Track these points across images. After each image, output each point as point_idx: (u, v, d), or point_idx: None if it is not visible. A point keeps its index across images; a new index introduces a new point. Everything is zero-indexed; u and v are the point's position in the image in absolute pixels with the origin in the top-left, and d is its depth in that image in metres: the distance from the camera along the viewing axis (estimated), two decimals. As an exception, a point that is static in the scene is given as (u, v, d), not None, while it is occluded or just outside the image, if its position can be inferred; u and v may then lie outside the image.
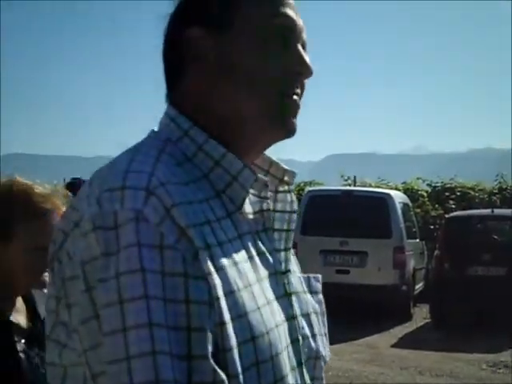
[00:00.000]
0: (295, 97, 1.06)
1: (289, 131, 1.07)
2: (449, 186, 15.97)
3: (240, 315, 0.92)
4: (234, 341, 0.90)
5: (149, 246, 0.88)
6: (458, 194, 15.59)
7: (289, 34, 1.06)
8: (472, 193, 15.66)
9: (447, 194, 15.68)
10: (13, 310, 1.90)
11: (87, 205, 0.94)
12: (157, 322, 0.85)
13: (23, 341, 1.85)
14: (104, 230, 0.90)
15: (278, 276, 1.04)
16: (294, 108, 1.07)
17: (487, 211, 11.54)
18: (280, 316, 1.00)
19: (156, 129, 1.08)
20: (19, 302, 1.94)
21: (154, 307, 0.86)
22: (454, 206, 14.87)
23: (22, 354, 1.81)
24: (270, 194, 1.08)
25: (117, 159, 1.00)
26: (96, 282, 0.89)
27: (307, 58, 1.07)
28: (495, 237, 11.04)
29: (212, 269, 0.91)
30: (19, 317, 1.90)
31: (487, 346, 8.89)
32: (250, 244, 1.01)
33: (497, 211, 11.50)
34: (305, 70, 1.07)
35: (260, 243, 1.04)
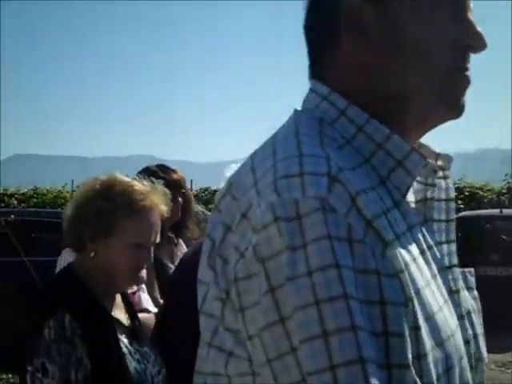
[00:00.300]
0: (467, 72, 0.95)
1: (459, 110, 0.96)
2: (457, 186, 15.93)
3: (428, 317, 0.82)
4: (428, 346, 0.80)
5: (339, 239, 0.77)
6: (467, 194, 15.55)
7: (459, 0, 0.94)
8: (481, 193, 15.61)
9: (456, 193, 15.61)
10: (113, 306, 1.94)
11: (256, 193, 0.83)
12: (359, 324, 0.74)
13: (124, 336, 1.88)
14: (286, 220, 0.78)
15: (443, 272, 0.92)
16: (465, 84, 0.95)
17: (496, 211, 11.49)
18: (454, 316, 0.91)
19: (299, 108, 0.96)
20: (118, 298, 1.98)
21: (354, 308, 0.75)
22: (462, 206, 14.82)
23: (125, 350, 1.84)
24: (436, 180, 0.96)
25: (278, 142, 0.89)
26: (283, 280, 0.77)
27: (480, 29, 0.94)
28: (504, 237, 11.00)
29: (403, 265, 0.80)
30: (119, 313, 1.95)
31: (495, 346, 8.85)
32: (420, 237, 0.90)
33: (506, 211, 11.44)
34: (477, 43, 0.94)
35: (427, 236, 0.92)
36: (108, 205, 1.86)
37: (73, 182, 15.02)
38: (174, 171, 2.87)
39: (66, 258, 2.81)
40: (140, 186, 1.92)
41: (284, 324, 0.76)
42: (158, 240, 1.96)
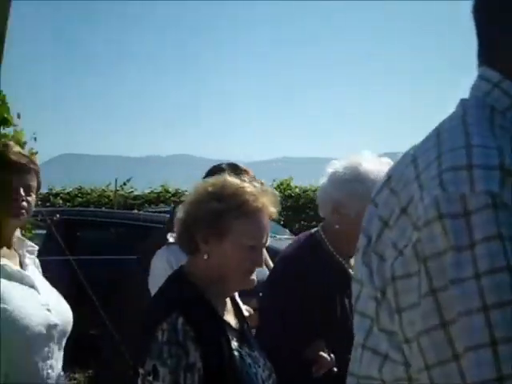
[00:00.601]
0: None
1: None
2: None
3: None
4: None
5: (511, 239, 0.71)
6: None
7: None
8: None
9: None
10: (224, 309, 1.95)
11: (418, 187, 0.77)
12: None
13: (235, 340, 1.87)
14: (452, 217, 0.72)
15: None
16: None
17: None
18: None
19: (467, 97, 0.90)
20: (228, 301, 1.99)
21: None
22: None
23: (236, 353, 1.83)
24: None
25: (442, 133, 0.82)
26: (446, 282, 0.72)
27: None
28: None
29: None
30: (229, 316, 1.95)
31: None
32: None
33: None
34: None
35: None
36: (221, 206, 1.86)
37: (116, 181, 15.17)
38: (246, 171, 2.81)
39: (162, 257, 2.77)
40: (251, 187, 1.92)
41: (446, 329, 0.71)
42: (267, 243, 1.94)
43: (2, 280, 2.20)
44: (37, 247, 2.50)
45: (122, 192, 15.76)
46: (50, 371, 2.24)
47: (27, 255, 2.42)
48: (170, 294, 1.88)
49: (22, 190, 2.28)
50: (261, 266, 1.94)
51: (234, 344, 1.85)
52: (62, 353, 2.35)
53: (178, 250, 2.66)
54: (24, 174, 2.31)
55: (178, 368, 1.69)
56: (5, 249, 2.31)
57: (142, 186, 17.04)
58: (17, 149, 2.33)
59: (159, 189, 16.22)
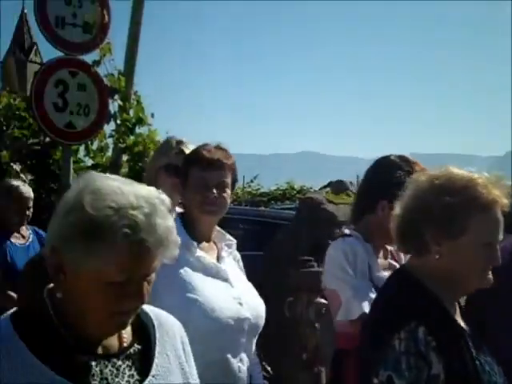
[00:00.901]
0: None
1: None
2: None
3: None
4: None
5: None
6: None
7: None
8: None
9: None
10: (456, 312, 1.81)
11: None
12: None
13: (472, 347, 1.72)
14: None
15: None
16: None
17: None
18: None
19: None
20: (456, 304, 1.85)
21: None
22: None
23: (476, 361, 1.70)
24: None
25: None
26: None
27: None
28: None
29: None
30: (460, 320, 1.81)
31: None
32: None
33: None
34: None
35: None
36: (454, 201, 1.70)
37: (244, 178, 15.42)
38: (416, 163, 2.62)
39: (337, 248, 2.74)
40: (482, 178, 1.75)
41: None
42: (502, 238, 1.78)
43: (197, 272, 2.24)
44: (235, 241, 2.49)
45: (249, 189, 16.02)
46: (240, 364, 2.23)
47: (225, 248, 2.43)
48: (404, 299, 1.73)
49: (214, 187, 2.29)
50: (498, 263, 1.77)
51: (473, 351, 1.70)
52: (253, 347, 2.33)
53: (354, 241, 2.60)
54: (217, 169, 2.29)
55: (418, 381, 1.58)
56: (204, 242, 2.33)
57: (267, 183, 17.23)
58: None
59: (285, 186, 16.33)
